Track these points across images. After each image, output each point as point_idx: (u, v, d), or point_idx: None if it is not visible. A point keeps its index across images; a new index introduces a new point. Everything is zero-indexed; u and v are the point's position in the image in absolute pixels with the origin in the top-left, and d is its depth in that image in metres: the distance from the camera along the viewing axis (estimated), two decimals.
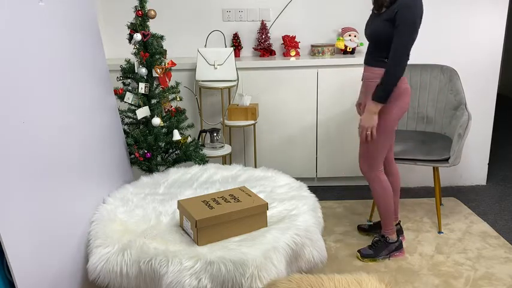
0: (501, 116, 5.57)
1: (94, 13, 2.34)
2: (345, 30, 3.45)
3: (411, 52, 3.68)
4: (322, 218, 2.09)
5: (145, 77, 2.52)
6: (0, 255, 1.57)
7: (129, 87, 2.58)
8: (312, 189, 2.30)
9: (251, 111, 3.15)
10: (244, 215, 1.82)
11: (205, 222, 1.74)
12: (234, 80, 3.16)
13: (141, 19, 2.47)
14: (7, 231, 1.50)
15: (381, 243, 2.54)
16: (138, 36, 2.46)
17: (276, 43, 3.58)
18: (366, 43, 3.42)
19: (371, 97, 2.25)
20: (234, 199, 1.90)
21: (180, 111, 2.69)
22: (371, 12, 2.37)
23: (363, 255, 2.53)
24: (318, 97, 3.35)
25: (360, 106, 2.54)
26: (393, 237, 2.55)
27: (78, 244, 1.89)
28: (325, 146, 3.45)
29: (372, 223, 2.88)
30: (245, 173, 2.43)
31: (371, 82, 2.32)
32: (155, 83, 2.58)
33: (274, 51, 3.53)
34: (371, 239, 2.72)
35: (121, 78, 2.58)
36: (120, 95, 2.54)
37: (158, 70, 2.52)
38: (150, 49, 2.50)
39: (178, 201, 1.89)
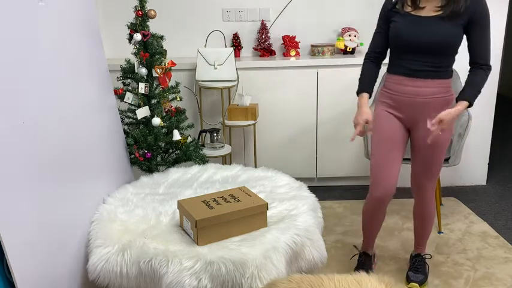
0: (501, 116, 5.57)
1: (94, 13, 2.34)
2: (345, 30, 3.45)
3: None
4: (322, 218, 2.08)
5: (145, 77, 2.52)
6: (0, 255, 1.57)
7: (129, 87, 2.58)
8: (312, 189, 2.30)
9: (251, 111, 3.15)
10: (244, 215, 1.81)
11: (205, 222, 1.74)
12: (234, 80, 3.16)
13: (141, 19, 2.47)
14: (7, 231, 1.50)
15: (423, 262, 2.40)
16: (138, 36, 2.46)
17: (276, 43, 3.58)
18: (366, 43, 3.40)
19: (465, 99, 2.01)
20: (234, 199, 1.90)
21: (180, 111, 2.69)
22: (405, 15, 2.06)
23: (419, 282, 2.31)
24: (318, 97, 3.35)
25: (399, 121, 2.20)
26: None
27: (78, 244, 1.89)
28: (325, 146, 3.45)
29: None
30: (245, 173, 2.43)
31: (438, 98, 2.09)
32: (155, 83, 2.58)
33: (274, 51, 3.53)
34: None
35: (121, 78, 2.58)
36: (120, 95, 2.54)
37: (158, 70, 2.52)
38: (150, 49, 2.50)
39: (178, 201, 1.89)
